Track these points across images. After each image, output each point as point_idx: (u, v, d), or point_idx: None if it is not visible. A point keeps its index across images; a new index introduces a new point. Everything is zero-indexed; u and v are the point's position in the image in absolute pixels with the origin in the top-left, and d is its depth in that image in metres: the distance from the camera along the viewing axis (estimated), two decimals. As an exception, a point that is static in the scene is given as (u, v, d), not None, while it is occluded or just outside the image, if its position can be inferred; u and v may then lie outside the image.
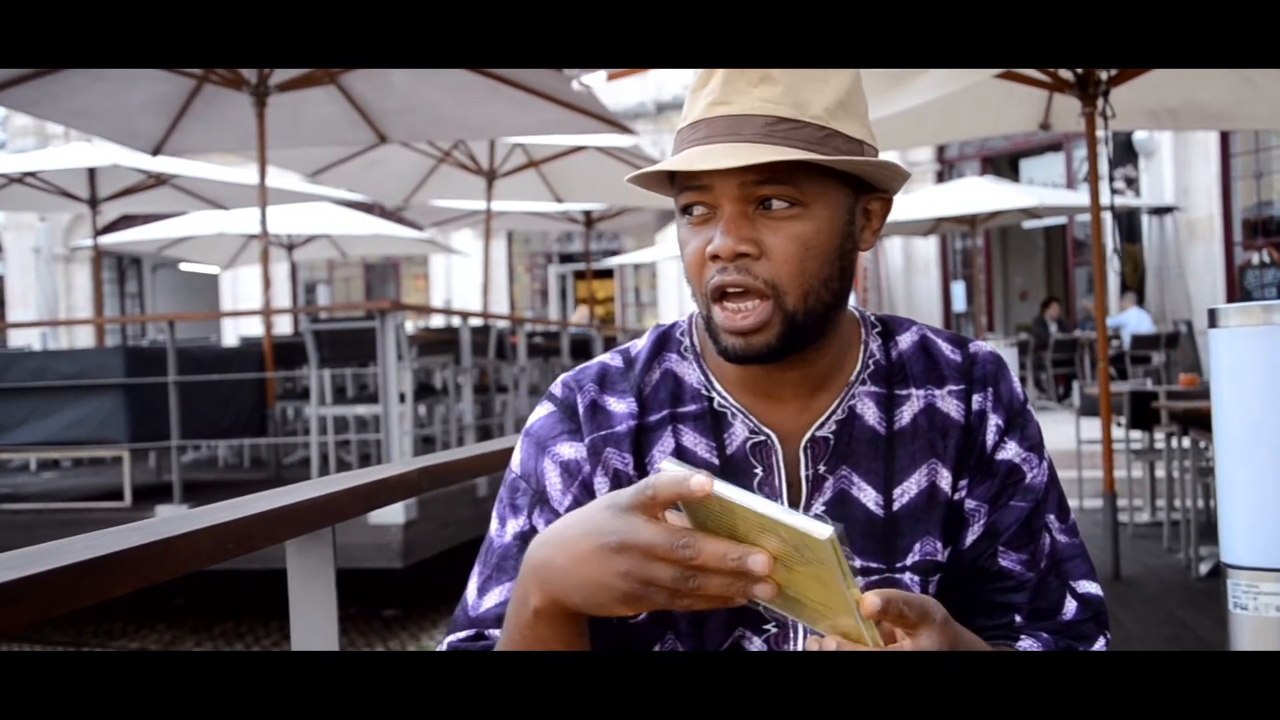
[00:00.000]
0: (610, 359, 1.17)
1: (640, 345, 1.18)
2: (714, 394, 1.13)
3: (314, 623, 1.61)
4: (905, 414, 1.13)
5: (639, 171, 1.08)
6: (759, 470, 1.11)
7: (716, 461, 1.11)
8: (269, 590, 3.33)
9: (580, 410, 1.13)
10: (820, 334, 1.09)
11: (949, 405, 1.13)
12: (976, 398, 1.14)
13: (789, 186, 1.03)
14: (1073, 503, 6.72)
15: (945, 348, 1.16)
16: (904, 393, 1.14)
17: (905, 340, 1.17)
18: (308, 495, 1.56)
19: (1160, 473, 6.11)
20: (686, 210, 1.07)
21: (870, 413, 1.13)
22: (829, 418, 1.12)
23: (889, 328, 1.18)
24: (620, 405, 1.13)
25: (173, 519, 1.32)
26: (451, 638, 1.13)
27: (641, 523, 0.87)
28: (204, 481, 6.99)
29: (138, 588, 1.16)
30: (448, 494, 6.07)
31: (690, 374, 1.15)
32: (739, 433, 1.12)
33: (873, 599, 0.86)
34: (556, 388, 1.17)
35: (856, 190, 1.09)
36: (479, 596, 1.12)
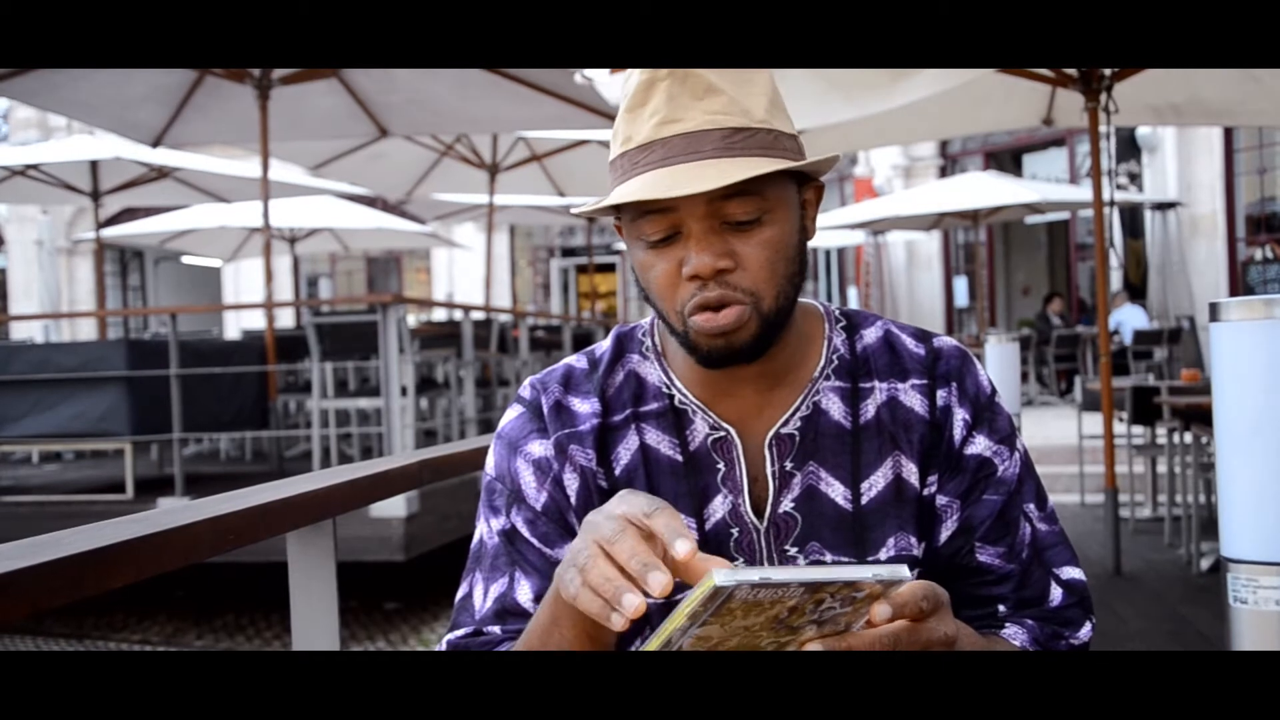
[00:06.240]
0: (576, 361, 1.19)
1: (604, 347, 1.19)
2: (674, 392, 1.14)
3: (315, 615, 1.62)
4: (869, 408, 1.13)
5: (591, 207, 1.07)
6: (721, 465, 1.11)
7: (680, 458, 1.12)
8: (270, 583, 3.34)
9: (545, 410, 1.15)
10: (784, 327, 1.09)
11: (912, 399, 1.13)
12: (941, 393, 1.13)
13: (755, 196, 1.03)
14: (1074, 498, 6.79)
15: (909, 342, 1.16)
16: (867, 385, 1.13)
17: (870, 334, 1.17)
18: (308, 487, 1.56)
19: (1162, 468, 6.11)
20: (642, 233, 1.06)
21: (835, 407, 1.12)
22: (793, 414, 1.12)
23: (853, 322, 1.18)
24: (584, 406, 1.15)
25: (173, 510, 1.32)
26: (451, 635, 1.15)
27: (617, 517, 0.88)
28: (206, 474, 6.99)
29: (138, 579, 1.16)
30: (449, 487, 6.07)
31: (651, 373, 1.16)
32: (700, 429, 1.12)
33: (883, 608, 0.85)
34: (525, 390, 1.19)
35: (799, 183, 1.09)
36: (483, 599, 1.14)
